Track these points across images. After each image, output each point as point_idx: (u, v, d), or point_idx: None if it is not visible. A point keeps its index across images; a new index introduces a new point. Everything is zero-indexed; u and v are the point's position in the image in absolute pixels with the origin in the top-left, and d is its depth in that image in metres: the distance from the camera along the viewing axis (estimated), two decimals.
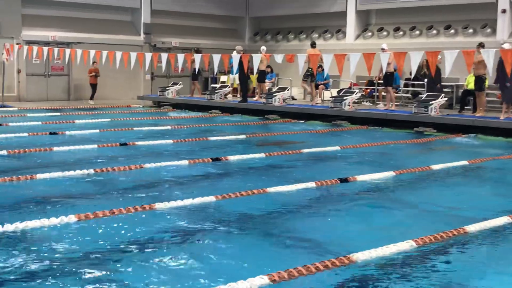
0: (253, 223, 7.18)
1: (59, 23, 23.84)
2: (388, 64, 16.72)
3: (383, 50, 17.38)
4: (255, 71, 19.08)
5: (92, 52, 17.96)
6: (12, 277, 5.16)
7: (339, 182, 9.16)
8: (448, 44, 20.35)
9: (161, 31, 26.51)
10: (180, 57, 17.35)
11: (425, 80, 18.88)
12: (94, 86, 23.46)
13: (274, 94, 20.02)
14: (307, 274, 5.17)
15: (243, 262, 5.75)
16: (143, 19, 25.79)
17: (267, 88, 22.08)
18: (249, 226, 7.05)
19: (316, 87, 20.73)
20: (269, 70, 22.69)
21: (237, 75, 20.54)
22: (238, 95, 22.36)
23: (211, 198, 7.91)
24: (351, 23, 24.83)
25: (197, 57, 17.84)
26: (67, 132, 14.65)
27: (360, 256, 5.58)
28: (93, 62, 20.57)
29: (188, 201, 7.73)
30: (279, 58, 16.32)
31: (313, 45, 20.54)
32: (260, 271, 5.14)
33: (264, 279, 4.97)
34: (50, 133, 14.31)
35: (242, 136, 14.80)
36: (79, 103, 22.74)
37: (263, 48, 20.77)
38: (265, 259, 5.86)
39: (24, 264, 5.48)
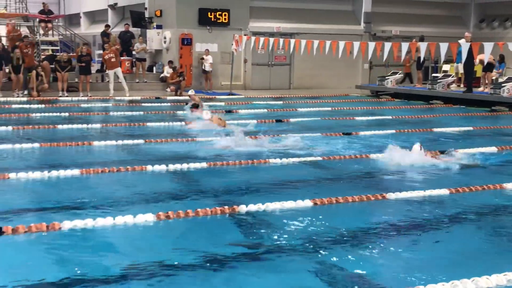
0: (488, 218, 6.87)
1: (283, 14, 24.75)
2: None
3: None
4: (485, 60, 18.05)
5: (316, 43, 18.39)
6: (246, 252, 5.59)
7: None
8: None
9: (381, 19, 26.26)
10: (404, 46, 17.02)
11: None
12: (408, 75, 23.76)
13: (503, 85, 18.80)
14: None
15: (482, 257, 5.55)
16: (364, 8, 25.77)
17: (492, 78, 20.80)
18: (484, 221, 6.76)
19: None
20: (498, 59, 21.33)
21: (462, 64, 19.61)
22: (462, 85, 21.38)
23: (444, 191, 7.70)
24: None
25: (423, 45, 17.37)
26: (291, 120, 15.22)
27: None
28: (407, 52, 20.26)
29: (419, 193, 7.62)
30: None
31: None
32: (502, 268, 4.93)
33: None
34: (276, 120, 14.98)
35: (469, 128, 14.14)
36: (299, 92, 23.44)
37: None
38: (503, 257, 5.59)
39: (260, 241, 5.87)
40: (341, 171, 9.34)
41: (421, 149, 9.78)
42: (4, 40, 21.42)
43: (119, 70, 20.23)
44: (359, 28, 25.91)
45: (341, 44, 17.88)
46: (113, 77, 20.06)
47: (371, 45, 17.44)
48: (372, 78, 25.61)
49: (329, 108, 18.18)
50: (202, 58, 22.51)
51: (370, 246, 5.81)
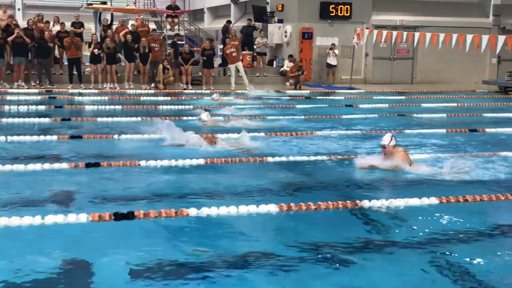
0: None
1: (407, 7, 24.10)
2: None
3: None
4: None
5: (442, 36, 17.76)
6: (367, 246, 5.57)
7: None
8: None
9: (511, 12, 24.91)
10: None
11: None
12: None
13: None
14: None
15: None
16: (493, 1, 24.55)
17: None
18: None
19: None
20: None
21: None
22: None
23: None
24: None
25: None
26: (414, 115, 14.84)
27: None
28: None
29: None
30: None
31: None
32: None
33: None
34: (398, 115, 14.67)
35: None
36: (423, 86, 22.77)
37: None
38: None
39: (382, 236, 5.84)
40: (466, 169, 8.94)
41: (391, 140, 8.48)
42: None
43: (240, 64, 20.63)
44: (487, 21, 24.72)
45: (469, 37, 17.14)
46: (234, 71, 20.50)
47: (501, 38, 16.59)
48: (501, 73, 24.37)
49: (454, 104, 17.54)
50: (332, 48, 22.19)
51: (495, 248, 5.56)
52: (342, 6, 22.93)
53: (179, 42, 22.03)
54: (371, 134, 11.80)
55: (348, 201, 6.72)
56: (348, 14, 23.02)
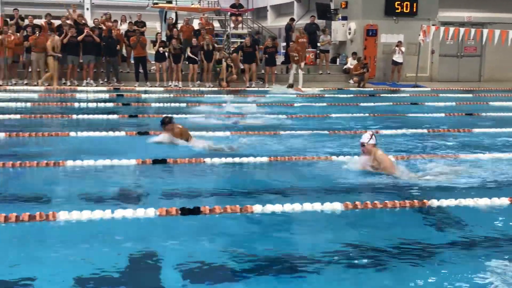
0: None
1: (475, 3, 23.44)
2: None
3: None
4: None
5: (511, 33, 17.21)
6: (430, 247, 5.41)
7: None
8: None
9: None
10: None
11: None
12: None
13: None
14: None
15: None
16: None
17: None
18: None
19: None
20: None
21: None
22: None
23: None
24: None
25: None
26: (483, 114, 14.45)
27: None
28: None
29: None
30: None
31: None
32: None
33: None
34: (466, 114, 14.32)
35: None
36: (491, 84, 22.12)
37: None
38: None
39: (449, 236, 5.70)
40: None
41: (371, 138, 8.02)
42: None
43: (301, 65, 20.60)
44: None
45: None
46: (295, 69, 20.46)
47: None
48: None
49: None
50: (398, 45, 21.81)
51: None
52: (408, 3, 22.53)
53: (242, 41, 22.12)
54: (437, 133, 11.55)
55: (415, 200, 6.61)
56: (414, 11, 22.59)
